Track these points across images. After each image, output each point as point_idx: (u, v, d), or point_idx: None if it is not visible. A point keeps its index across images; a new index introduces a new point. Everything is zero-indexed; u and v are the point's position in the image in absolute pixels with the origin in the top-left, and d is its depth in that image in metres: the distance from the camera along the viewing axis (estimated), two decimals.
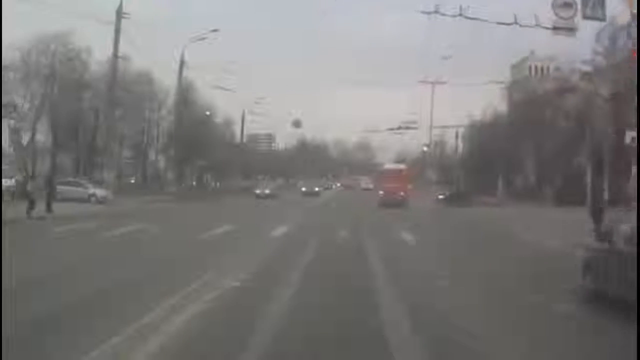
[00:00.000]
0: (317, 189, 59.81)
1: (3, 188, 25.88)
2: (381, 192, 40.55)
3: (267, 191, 50.81)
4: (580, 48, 46.48)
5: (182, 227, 21.36)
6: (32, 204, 23.02)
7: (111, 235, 16.85)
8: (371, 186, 73.59)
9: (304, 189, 59.26)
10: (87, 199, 34.34)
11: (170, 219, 26.24)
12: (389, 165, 63.69)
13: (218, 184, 71.67)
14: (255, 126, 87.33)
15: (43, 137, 50.97)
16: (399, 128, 50.42)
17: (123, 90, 52.24)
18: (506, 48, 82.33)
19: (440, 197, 46.42)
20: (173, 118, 52.69)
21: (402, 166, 60.36)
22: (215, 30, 38.60)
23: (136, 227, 19.80)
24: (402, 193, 39.34)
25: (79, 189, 35.98)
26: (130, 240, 15.95)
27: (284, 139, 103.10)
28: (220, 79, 73.82)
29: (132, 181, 53.16)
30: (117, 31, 28.06)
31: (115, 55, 28.67)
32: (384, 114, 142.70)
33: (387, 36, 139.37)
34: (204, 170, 67.65)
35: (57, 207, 24.99)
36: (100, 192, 36.45)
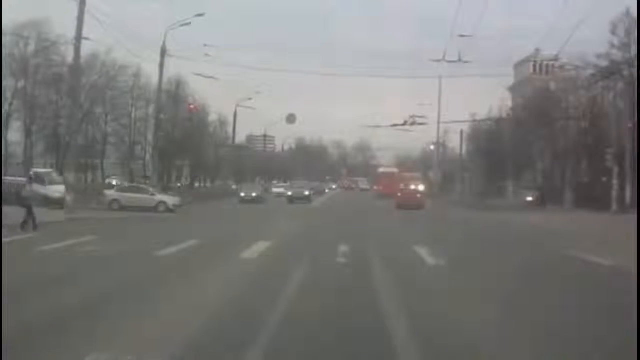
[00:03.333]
0: (307, 192, 48.31)
1: None
2: (399, 195, 40.07)
3: (253, 194, 45.23)
4: (584, 47, 43.22)
5: (139, 239, 17.08)
6: (29, 214, 18.44)
7: (32, 255, 12.93)
8: (368, 187, 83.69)
9: (289, 193, 48.67)
10: (154, 208, 30.14)
11: (133, 227, 22.35)
12: (384, 169, 67.85)
13: (207, 185, 67.93)
14: (252, 127, 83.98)
15: (17, 135, 47.47)
16: (405, 124, 46.38)
17: (104, 83, 49.06)
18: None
19: (529, 199, 44.29)
20: (162, 115, 48.80)
21: (395, 169, 64.06)
22: (200, 15, 34.61)
23: (84, 239, 15.87)
24: (419, 195, 39.52)
25: (145, 196, 31.65)
26: (52, 262, 11.89)
27: (283, 141, 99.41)
28: (207, 68, 69.84)
29: (114, 183, 49.23)
30: (82, 4, 24.08)
31: (78, 36, 24.64)
32: (387, 113, 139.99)
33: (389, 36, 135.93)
34: (195, 171, 64.04)
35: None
36: (170, 199, 32.26)
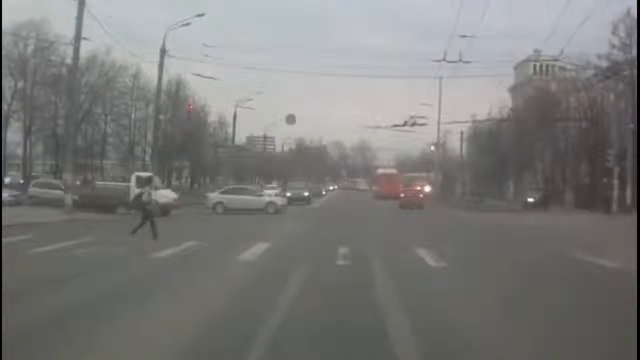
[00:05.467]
0: (305, 193, 47.91)
1: None
2: (402, 195, 41.65)
3: None
4: (585, 47, 43.13)
5: (134, 241, 15.90)
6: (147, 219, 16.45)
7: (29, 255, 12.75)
8: (366, 187, 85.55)
9: (288, 193, 47.47)
10: (263, 209, 29.35)
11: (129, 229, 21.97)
12: (383, 170, 69.13)
13: (207, 186, 67.60)
14: (252, 128, 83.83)
15: (16, 136, 47.29)
16: (405, 124, 46.26)
17: (103, 84, 48.94)
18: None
19: (530, 200, 44.46)
20: (162, 116, 48.52)
21: (394, 170, 65.37)
22: (200, 15, 34.38)
23: (79, 241, 15.60)
24: (421, 196, 41.08)
25: (251, 197, 30.75)
26: (41, 265, 11.57)
27: (283, 141, 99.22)
28: (207, 69, 69.55)
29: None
30: (81, 4, 23.99)
31: (77, 37, 24.52)
32: (387, 113, 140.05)
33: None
34: (195, 171, 63.89)
35: None
36: (279, 199, 31.67)
